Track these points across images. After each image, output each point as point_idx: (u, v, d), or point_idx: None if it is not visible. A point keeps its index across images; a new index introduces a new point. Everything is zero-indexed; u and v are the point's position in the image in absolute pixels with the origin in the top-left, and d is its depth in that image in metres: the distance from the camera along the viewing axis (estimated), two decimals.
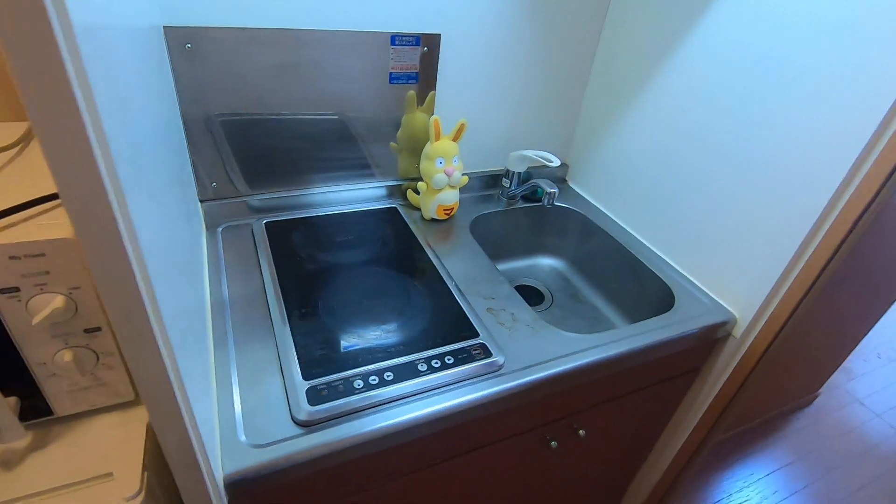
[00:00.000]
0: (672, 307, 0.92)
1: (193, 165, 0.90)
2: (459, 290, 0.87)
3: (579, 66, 1.14)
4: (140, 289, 0.35)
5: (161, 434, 0.43)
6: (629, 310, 1.09)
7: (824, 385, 2.00)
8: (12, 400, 0.54)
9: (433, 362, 0.72)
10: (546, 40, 1.06)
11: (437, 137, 0.97)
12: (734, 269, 0.90)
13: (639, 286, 1.04)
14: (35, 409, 0.57)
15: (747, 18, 0.81)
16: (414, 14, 0.92)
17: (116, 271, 0.34)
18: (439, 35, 0.95)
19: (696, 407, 1.04)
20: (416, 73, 0.97)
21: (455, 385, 0.70)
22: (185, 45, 0.79)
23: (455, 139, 0.99)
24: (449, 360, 0.72)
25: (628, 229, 1.12)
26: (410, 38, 0.93)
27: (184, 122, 0.85)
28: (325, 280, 0.85)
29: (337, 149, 1.01)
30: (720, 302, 0.93)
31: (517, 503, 1.04)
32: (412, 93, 1.00)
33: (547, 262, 1.25)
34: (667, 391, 1.01)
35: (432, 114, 1.03)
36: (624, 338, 0.82)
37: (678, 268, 1.01)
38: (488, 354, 0.74)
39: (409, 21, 0.92)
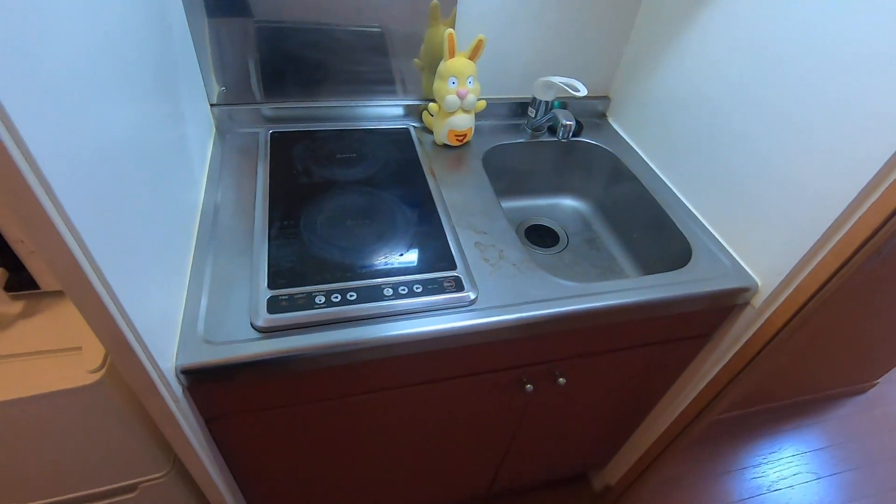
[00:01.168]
0: (685, 265, 0.83)
1: (202, 69, 0.90)
2: (451, 220, 0.83)
3: None
4: (27, 178, 0.36)
5: (86, 316, 0.46)
6: (646, 263, 1.00)
7: (884, 376, 1.80)
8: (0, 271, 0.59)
9: (400, 288, 0.70)
10: None
11: (452, 54, 0.90)
12: (765, 230, 0.79)
13: (660, 239, 0.95)
14: (24, 282, 0.62)
15: None
16: None
17: None
18: None
19: (698, 377, 0.97)
20: None
21: (419, 314, 0.69)
22: None
23: (472, 57, 0.91)
24: (417, 288, 0.71)
25: (660, 174, 1.01)
26: None
27: (189, 25, 0.84)
28: (316, 196, 0.84)
29: (359, 62, 0.96)
30: (743, 265, 0.83)
31: (488, 445, 1.05)
32: (436, 2, 0.92)
33: (569, 203, 1.17)
34: (669, 355, 0.94)
35: (452, 27, 0.95)
36: (615, 290, 0.76)
37: (705, 223, 0.91)
38: (460, 288, 0.72)
39: None
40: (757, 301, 0.82)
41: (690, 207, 0.94)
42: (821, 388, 1.70)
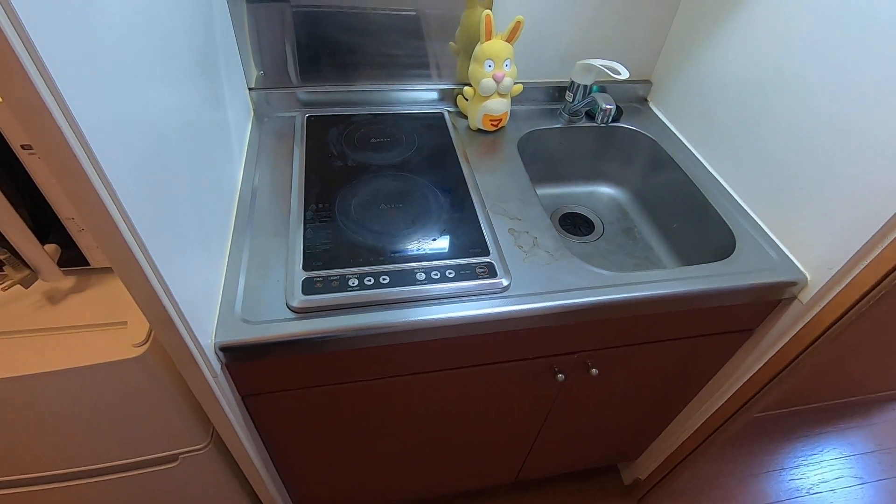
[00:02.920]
0: (729, 256, 0.80)
1: (241, 54, 0.91)
2: (484, 206, 0.82)
3: None
4: (79, 156, 0.37)
5: (131, 291, 0.48)
6: (686, 254, 0.97)
7: None
8: (52, 247, 0.62)
9: (433, 273, 0.70)
10: None
11: (488, 37, 0.88)
12: (816, 222, 0.75)
13: (702, 229, 0.92)
14: (75, 258, 0.65)
15: None
16: None
17: (49, 136, 0.35)
18: None
19: (738, 373, 0.93)
20: None
21: (450, 299, 0.69)
22: None
23: (509, 40, 0.89)
24: (450, 273, 0.70)
25: (704, 162, 0.97)
26: None
27: (230, 9, 0.85)
28: (350, 179, 0.85)
29: (395, 45, 0.96)
30: (791, 258, 0.79)
31: (517, 432, 1.04)
32: None
33: (606, 191, 1.14)
34: (708, 349, 0.91)
35: (490, 9, 0.93)
36: (653, 281, 0.74)
37: (751, 212, 0.87)
38: (493, 275, 0.71)
39: None
40: (805, 296, 0.78)
41: (735, 196, 0.90)
42: (869, 390, 1.62)
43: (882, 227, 0.66)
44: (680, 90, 1.03)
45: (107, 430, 0.71)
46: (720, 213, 0.87)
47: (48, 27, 0.34)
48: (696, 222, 0.93)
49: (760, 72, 0.82)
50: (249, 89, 0.96)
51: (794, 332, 0.81)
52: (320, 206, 0.79)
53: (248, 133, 0.94)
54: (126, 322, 0.63)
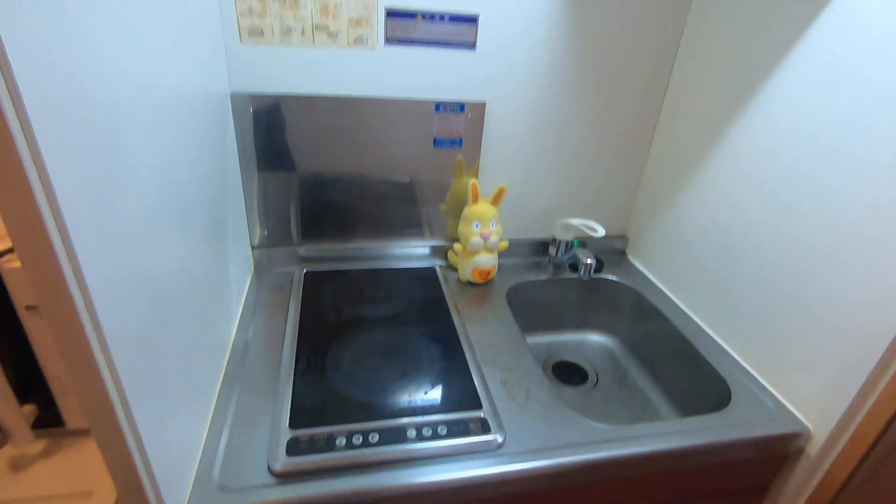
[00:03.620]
0: (726, 407, 0.78)
1: (248, 215, 0.99)
2: (476, 357, 0.83)
3: (639, 134, 1.09)
4: (81, 317, 0.38)
5: (106, 456, 0.45)
6: (682, 403, 0.95)
7: None
8: (30, 408, 0.60)
9: (424, 430, 0.67)
10: (601, 107, 1.04)
11: (475, 200, 0.97)
12: (806, 369, 0.76)
13: (694, 377, 0.91)
14: (51, 419, 0.63)
15: (829, 87, 0.73)
16: (460, 84, 0.95)
17: (59, 299, 0.37)
18: (484, 103, 0.97)
19: None
20: (461, 138, 1.00)
21: (443, 458, 0.65)
22: (248, 108, 0.89)
23: (494, 203, 0.98)
24: (442, 430, 0.68)
25: (687, 311, 1.00)
26: (455, 106, 0.96)
27: (242, 177, 0.95)
28: (343, 332, 0.86)
29: (390, 208, 1.05)
30: (789, 407, 0.78)
31: None
32: (460, 157, 1.02)
33: (596, 339, 1.15)
34: None
35: (476, 178, 1.04)
36: (652, 434, 0.71)
37: (741, 360, 0.87)
38: (487, 430, 0.68)
39: (456, 90, 0.96)
40: (812, 448, 0.75)
41: (723, 344, 0.91)
42: None
43: (872, 372, 0.66)
44: (654, 243, 1.11)
45: None
46: (711, 362, 0.87)
47: (79, 196, 0.38)
48: (689, 372, 0.93)
49: (730, 221, 0.90)
50: (253, 247, 1.02)
51: (811, 489, 0.76)
52: (312, 360, 0.79)
53: (247, 287, 0.97)
54: (91, 492, 0.58)
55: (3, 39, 0.30)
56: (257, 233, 1.02)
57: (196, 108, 0.68)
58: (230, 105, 0.88)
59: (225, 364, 0.78)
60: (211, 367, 0.71)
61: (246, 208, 0.98)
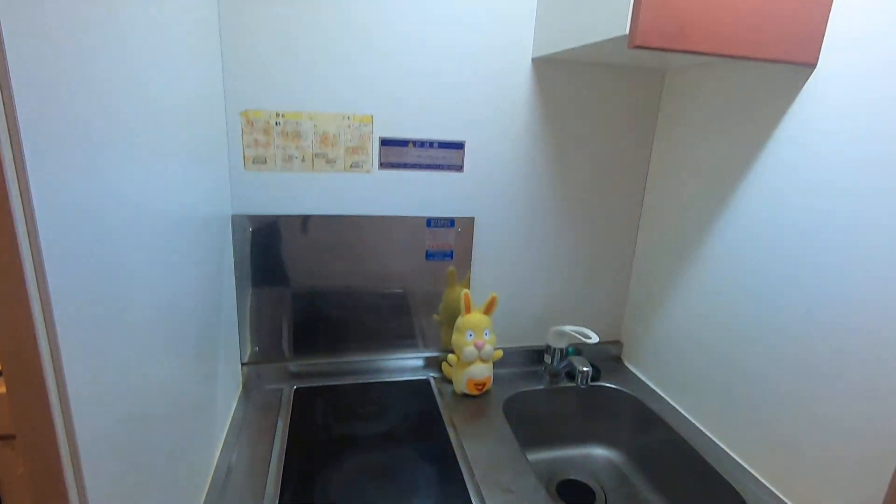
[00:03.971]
0: None
1: (240, 332, 0.99)
2: (474, 478, 0.78)
3: (622, 241, 1.14)
4: (60, 449, 0.37)
5: None
6: None
7: None
8: None
9: None
10: (583, 218, 1.09)
11: (468, 310, 0.98)
12: (824, 480, 0.72)
13: (706, 492, 0.85)
14: None
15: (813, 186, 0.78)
16: (449, 201, 1.02)
17: (39, 426, 0.36)
18: (473, 218, 1.03)
19: None
20: (452, 251, 1.03)
21: None
22: (247, 228, 0.93)
23: (486, 312, 0.99)
24: None
25: (690, 418, 0.97)
26: (445, 221, 1.01)
27: (237, 293, 0.96)
28: (333, 455, 0.81)
29: (384, 319, 1.06)
30: None
31: None
32: (452, 269, 1.05)
33: (601, 452, 1.09)
34: None
35: (468, 288, 1.07)
36: None
37: (752, 470, 0.83)
38: None
39: (446, 206, 1.02)
40: None
41: (731, 453, 0.87)
42: None
43: (889, 489, 0.63)
44: (649, 347, 1.10)
45: None
46: (722, 474, 0.83)
47: (77, 321, 0.38)
48: (700, 486, 0.87)
49: (722, 321, 0.91)
50: (242, 364, 1.00)
51: None
52: (298, 487, 0.74)
53: (234, 407, 0.93)
54: None
55: (28, 171, 0.33)
56: (248, 349, 1.00)
57: (198, 229, 0.71)
58: (231, 226, 0.92)
59: (204, 495, 0.72)
60: (188, 500, 0.66)
61: (239, 324, 0.98)
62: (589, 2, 0.76)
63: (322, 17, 0.87)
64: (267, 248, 0.95)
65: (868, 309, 0.65)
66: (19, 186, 0.32)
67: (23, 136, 0.32)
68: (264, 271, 0.97)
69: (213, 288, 0.79)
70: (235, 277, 0.95)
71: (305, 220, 0.95)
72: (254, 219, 0.93)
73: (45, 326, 0.35)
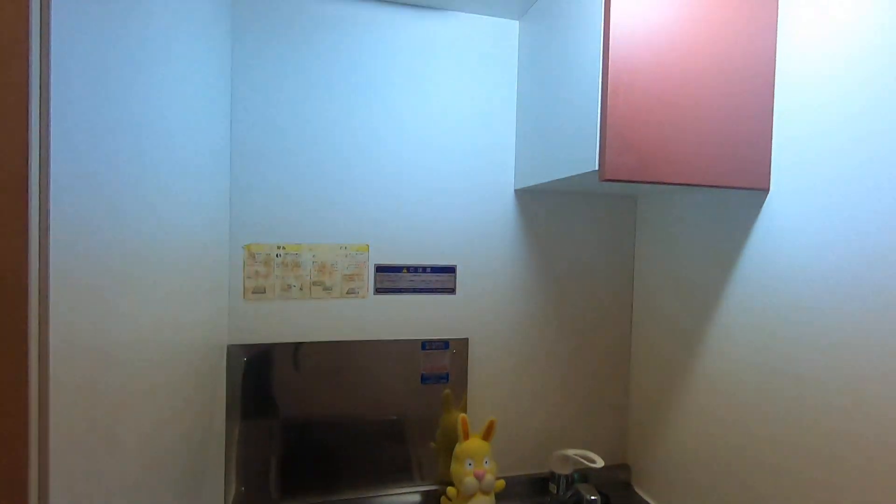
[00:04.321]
0: None
1: (226, 469, 0.93)
2: None
3: (617, 359, 1.14)
4: None
5: None
6: None
7: None
8: None
9: None
10: (575, 336, 1.11)
11: (466, 437, 0.95)
12: None
13: None
14: None
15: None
16: (443, 323, 1.03)
17: None
18: (467, 339, 1.04)
19: None
20: (447, 373, 1.03)
21: None
22: (242, 357, 0.93)
23: (485, 438, 0.96)
24: None
25: None
26: (440, 343, 1.02)
27: (226, 427, 0.93)
28: None
29: (379, 449, 1.01)
30: None
31: None
32: (447, 392, 1.04)
33: None
34: None
35: (465, 412, 1.04)
36: None
37: None
38: None
39: (440, 328, 1.03)
40: None
41: None
42: None
43: None
44: (658, 471, 1.05)
45: None
46: None
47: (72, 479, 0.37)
48: None
49: (726, 442, 0.88)
50: None
51: None
52: None
53: None
54: None
55: (51, 322, 0.35)
56: (233, 490, 0.94)
57: (193, 360, 0.71)
58: (226, 355, 0.92)
59: None
60: None
61: (225, 461, 0.93)
62: (560, 142, 0.86)
63: (317, 153, 0.97)
64: (260, 377, 0.94)
65: (855, 421, 0.65)
66: (39, 329, 0.34)
67: (51, 288, 0.35)
68: (256, 402, 0.94)
69: (201, 422, 0.77)
70: (226, 409, 0.92)
71: (300, 347, 0.96)
72: (249, 348, 0.94)
73: (38, 454, 0.34)
